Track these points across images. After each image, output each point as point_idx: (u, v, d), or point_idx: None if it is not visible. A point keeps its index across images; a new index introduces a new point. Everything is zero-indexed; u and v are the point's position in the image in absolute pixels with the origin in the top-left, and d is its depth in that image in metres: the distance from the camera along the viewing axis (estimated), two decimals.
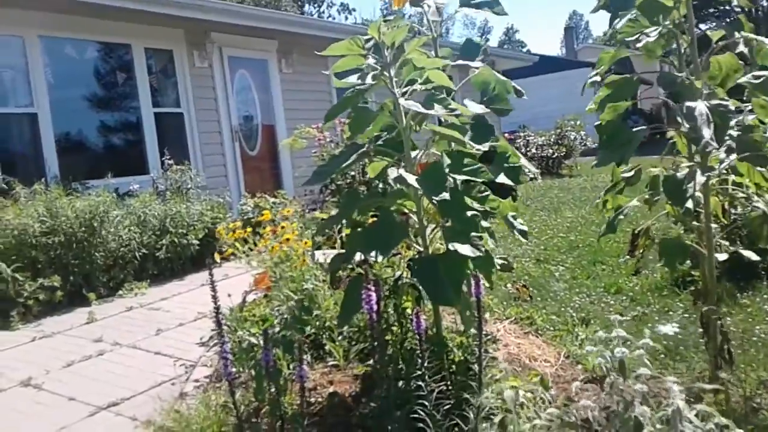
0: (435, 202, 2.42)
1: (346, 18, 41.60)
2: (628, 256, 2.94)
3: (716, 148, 2.21)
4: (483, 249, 2.34)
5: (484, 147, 2.58)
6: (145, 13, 7.64)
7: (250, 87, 10.01)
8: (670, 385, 1.84)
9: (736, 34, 2.48)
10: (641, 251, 2.81)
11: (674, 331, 2.38)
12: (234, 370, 2.89)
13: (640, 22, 2.52)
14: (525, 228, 2.95)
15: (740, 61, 2.46)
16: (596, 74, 2.65)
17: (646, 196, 2.77)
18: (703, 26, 25.38)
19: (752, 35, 2.46)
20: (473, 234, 2.38)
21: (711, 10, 29.49)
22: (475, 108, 2.69)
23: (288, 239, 3.52)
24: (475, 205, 2.60)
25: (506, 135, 16.70)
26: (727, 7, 29.37)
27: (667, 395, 1.89)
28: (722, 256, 2.67)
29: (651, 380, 2.09)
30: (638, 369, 2.06)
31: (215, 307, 2.10)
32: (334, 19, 39.97)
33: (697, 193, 2.34)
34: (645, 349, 2.13)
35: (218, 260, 4.29)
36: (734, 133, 2.36)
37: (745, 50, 2.45)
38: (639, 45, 2.44)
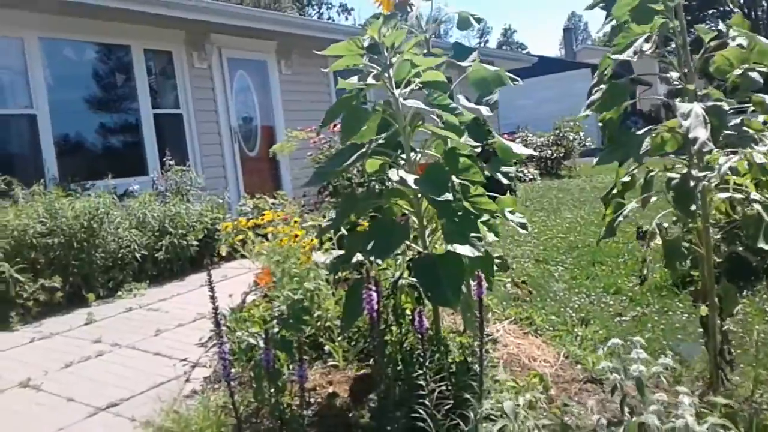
0: (435, 203, 2.41)
1: (346, 19, 41.68)
2: (642, 248, 2.92)
3: (712, 149, 2.21)
4: (482, 249, 2.34)
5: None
6: (145, 14, 7.64)
7: (250, 88, 10.01)
8: (681, 398, 1.82)
9: (730, 32, 2.47)
10: (652, 245, 2.79)
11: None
12: (233, 370, 2.89)
13: (632, 29, 2.53)
14: (524, 220, 2.95)
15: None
16: (598, 79, 2.65)
17: (644, 197, 2.77)
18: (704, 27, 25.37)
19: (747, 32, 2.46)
20: (473, 234, 2.38)
21: (711, 11, 29.55)
22: (473, 107, 2.70)
23: (297, 235, 3.51)
24: (474, 206, 2.60)
25: (505, 136, 16.65)
26: (727, 8, 29.41)
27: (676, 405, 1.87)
28: (719, 258, 2.68)
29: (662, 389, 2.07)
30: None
31: (213, 308, 2.10)
32: (333, 20, 39.99)
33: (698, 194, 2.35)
34: (663, 368, 2.11)
35: (218, 259, 4.28)
36: (729, 132, 2.37)
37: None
38: (634, 58, 2.44)
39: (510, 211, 2.92)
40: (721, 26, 2.52)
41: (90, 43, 8.01)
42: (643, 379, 2.07)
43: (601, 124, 2.68)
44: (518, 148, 2.97)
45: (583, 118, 2.75)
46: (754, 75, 2.42)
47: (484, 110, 2.72)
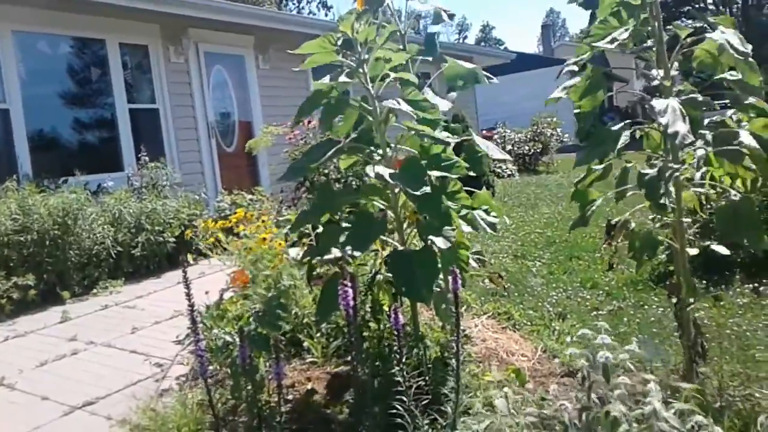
0: (413, 197, 2.41)
1: (326, 15, 41.43)
2: (605, 245, 2.96)
3: (693, 141, 2.23)
4: (454, 240, 2.35)
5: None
6: (121, 8, 7.54)
7: (227, 83, 9.93)
8: (650, 385, 1.83)
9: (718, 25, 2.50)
10: (618, 241, 2.82)
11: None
12: (210, 368, 2.87)
13: (610, 23, 2.55)
14: (494, 220, 2.92)
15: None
16: (573, 63, 2.67)
17: (618, 190, 2.79)
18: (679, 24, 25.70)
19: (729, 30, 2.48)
20: (446, 227, 2.39)
21: (686, 9, 29.90)
22: (438, 102, 2.70)
23: (264, 239, 3.48)
24: (451, 201, 2.61)
25: (484, 132, 16.80)
26: (702, 5, 29.78)
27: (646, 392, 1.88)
28: (693, 251, 2.70)
29: (632, 377, 2.09)
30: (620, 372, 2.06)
31: (189, 305, 2.09)
32: (314, 14, 39.80)
33: (670, 189, 2.37)
34: (630, 355, 2.13)
35: (193, 259, 4.24)
36: (707, 131, 2.39)
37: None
38: (612, 46, 2.45)
39: (485, 210, 2.91)
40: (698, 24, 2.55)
41: (64, 36, 7.88)
42: (609, 366, 2.09)
43: (576, 111, 2.67)
44: (495, 153, 2.97)
45: (554, 101, 2.73)
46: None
47: (444, 104, 2.70)
